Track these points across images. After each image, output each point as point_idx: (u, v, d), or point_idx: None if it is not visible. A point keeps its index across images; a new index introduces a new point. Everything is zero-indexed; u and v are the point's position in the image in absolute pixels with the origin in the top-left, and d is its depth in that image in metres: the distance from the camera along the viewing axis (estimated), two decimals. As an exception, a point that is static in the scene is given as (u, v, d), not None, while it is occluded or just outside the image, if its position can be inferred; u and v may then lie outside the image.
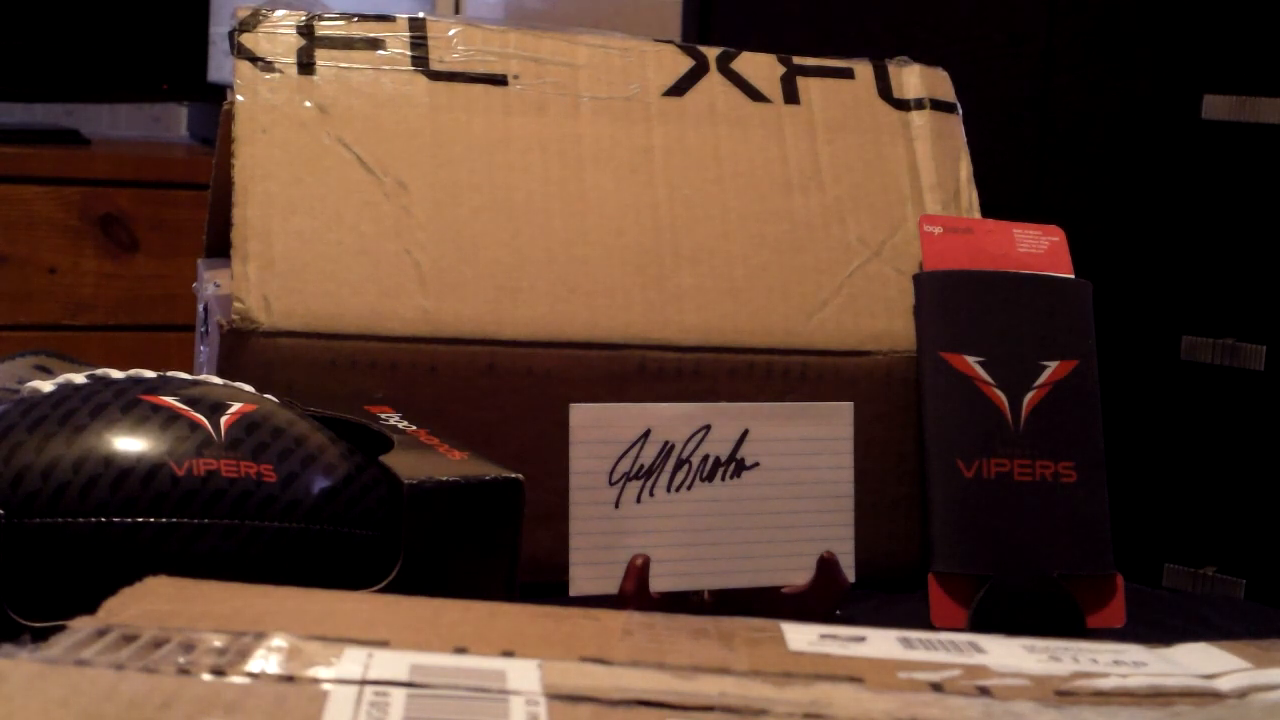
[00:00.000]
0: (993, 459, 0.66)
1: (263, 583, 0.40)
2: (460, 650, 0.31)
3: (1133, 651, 0.34)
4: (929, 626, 0.62)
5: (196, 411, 0.48)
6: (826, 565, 0.60)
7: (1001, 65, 1.46)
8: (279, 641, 0.30)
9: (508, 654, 0.31)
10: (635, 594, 0.58)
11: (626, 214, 0.71)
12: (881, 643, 0.32)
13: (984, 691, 0.30)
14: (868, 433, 0.67)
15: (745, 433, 0.60)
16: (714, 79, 0.76)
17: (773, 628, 0.34)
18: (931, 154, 0.78)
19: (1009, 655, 0.33)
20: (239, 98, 0.68)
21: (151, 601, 0.33)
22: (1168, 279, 1.40)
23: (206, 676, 0.28)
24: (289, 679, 0.28)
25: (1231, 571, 1.40)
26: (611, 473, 0.59)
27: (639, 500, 0.59)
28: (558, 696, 0.28)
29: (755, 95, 0.76)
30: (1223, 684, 0.32)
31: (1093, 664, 0.32)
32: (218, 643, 0.30)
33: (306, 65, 0.70)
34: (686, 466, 0.60)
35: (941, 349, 0.68)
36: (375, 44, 0.71)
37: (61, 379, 0.50)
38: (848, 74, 0.79)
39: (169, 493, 0.45)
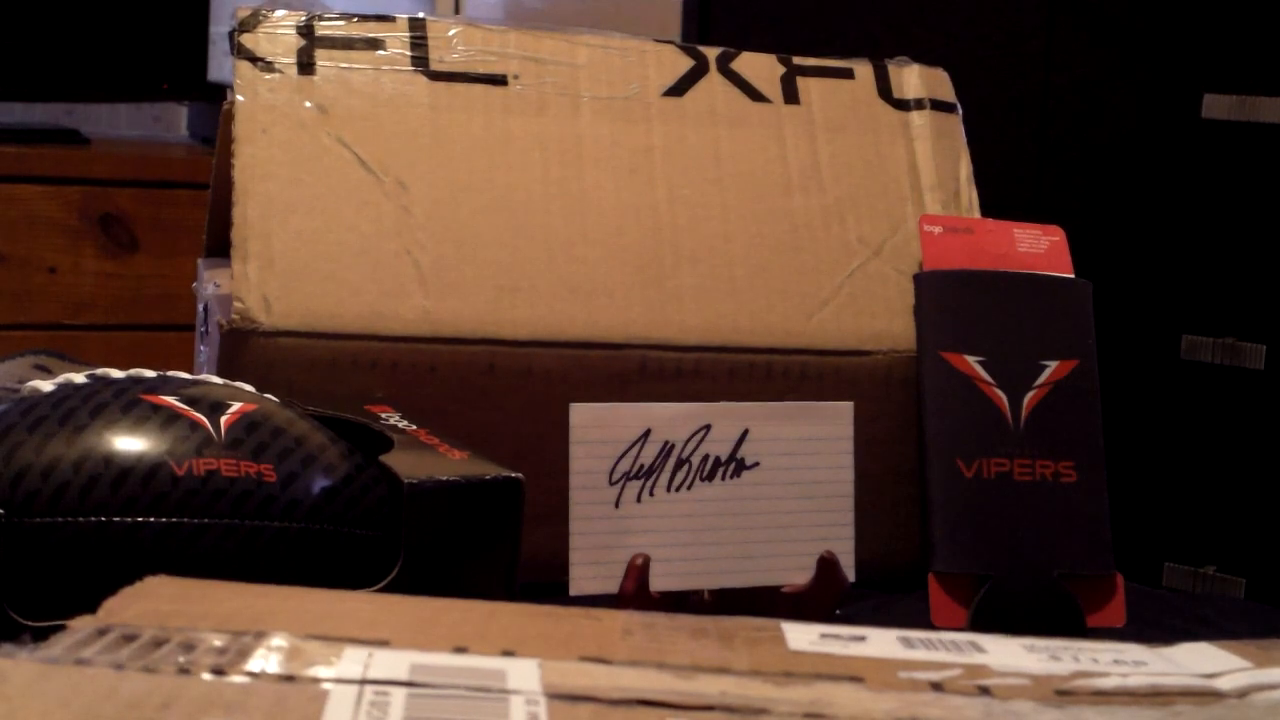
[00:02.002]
0: (993, 459, 0.66)
1: (263, 582, 0.40)
2: (460, 650, 0.31)
3: (1133, 651, 0.34)
4: (929, 626, 0.62)
5: (197, 411, 0.48)
6: (826, 565, 0.60)
7: (1002, 65, 1.46)
8: (279, 641, 0.30)
9: (508, 654, 0.31)
10: (635, 594, 0.58)
11: (626, 214, 0.71)
12: (882, 642, 0.32)
13: (984, 691, 0.30)
14: (868, 432, 0.67)
15: (745, 432, 0.60)
16: (714, 79, 0.76)
17: (773, 627, 0.34)
18: (931, 154, 0.78)
19: (1009, 655, 0.33)
20: (239, 98, 0.68)
21: (151, 601, 0.33)
22: (1168, 278, 1.40)
23: (206, 676, 0.28)
24: (289, 679, 0.28)
25: (1232, 571, 1.40)
26: (612, 472, 0.59)
27: (639, 500, 0.59)
28: (558, 696, 0.28)
29: (755, 95, 0.76)
30: (1223, 683, 0.31)
31: (1093, 663, 0.32)
32: (218, 642, 0.30)
33: (306, 65, 0.70)
34: (686, 466, 0.60)
35: (941, 349, 0.68)
36: (375, 44, 0.71)
37: (61, 379, 0.50)
38: (847, 74, 0.79)
39: (169, 492, 0.45)
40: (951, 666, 0.31)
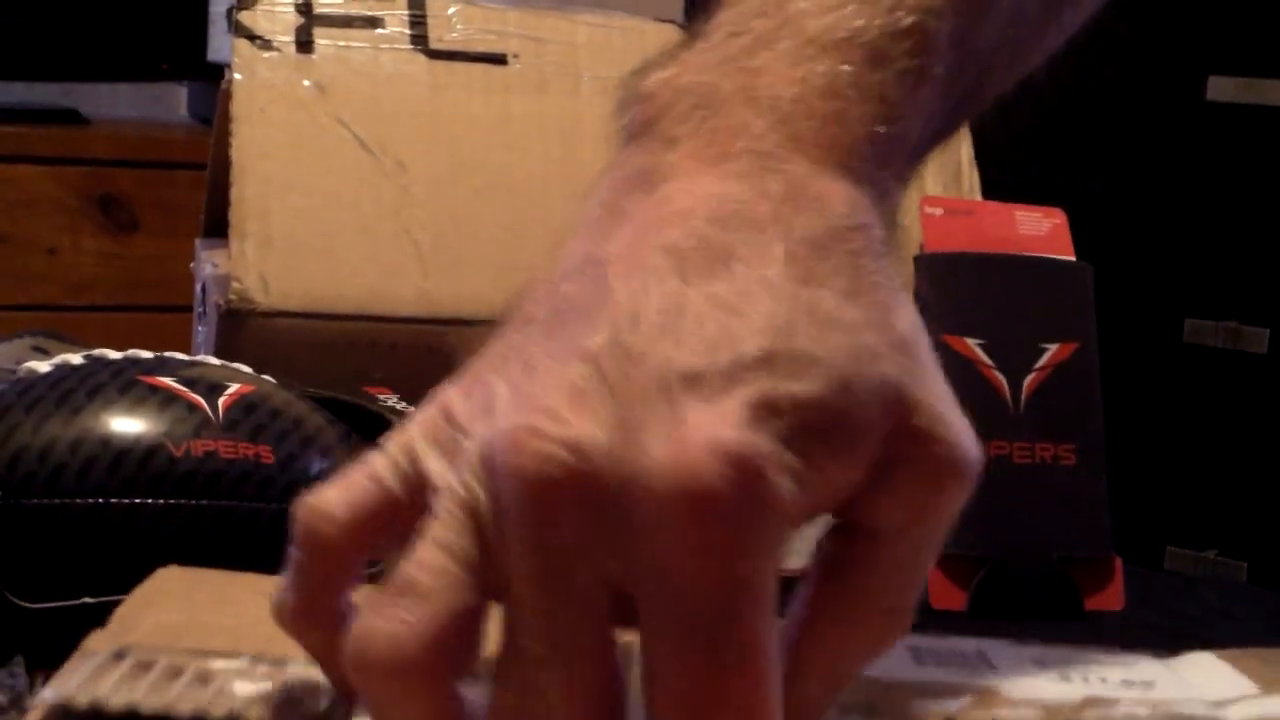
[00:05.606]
0: (992, 441, 0.65)
1: (263, 565, 0.40)
2: None
3: (1141, 667, 0.34)
4: (928, 607, 0.62)
5: (194, 392, 0.48)
6: (826, 547, 0.60)
7: (1005, 46, 1.46)
8: (295, 671, 0.30)
9: None
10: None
11: (627, 195, 0.71)
12: (890, 655, 0.32)
13: None
14: (868, 415, 0.67)
15: (745, 415, 0.60)
16: (715, 59, 0.76)
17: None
18: (933, 135, 0.77)
19: (1018, 672, 0.33)
20: (237, 76, 0.68)
21: (164, 610, 0.33)
22: (1171, 262, 1.40)
23: None
24: None
25: (1233, 555, 1.40)
26: (611, 454, 0.59)
27: (638, 482, 0.59)
28: None
29: (756, 75, 0.76)
30: (1232, 713, 0.31)
31: (1102, 684, 0.32)
32: (234, 673, 0.29)
33: (305, 44, 0.70)
34: (686, 448, 0.60)
35: (941, 331, 0.68)
36: (374, 22, 0.71)
37: (58, 359, 0.49)
38: (850, 54, 0.78)
39: (167, 474, 0.45)
40: (962, 691, 0.31)
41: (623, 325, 0.25)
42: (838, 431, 0.25)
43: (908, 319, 0.27)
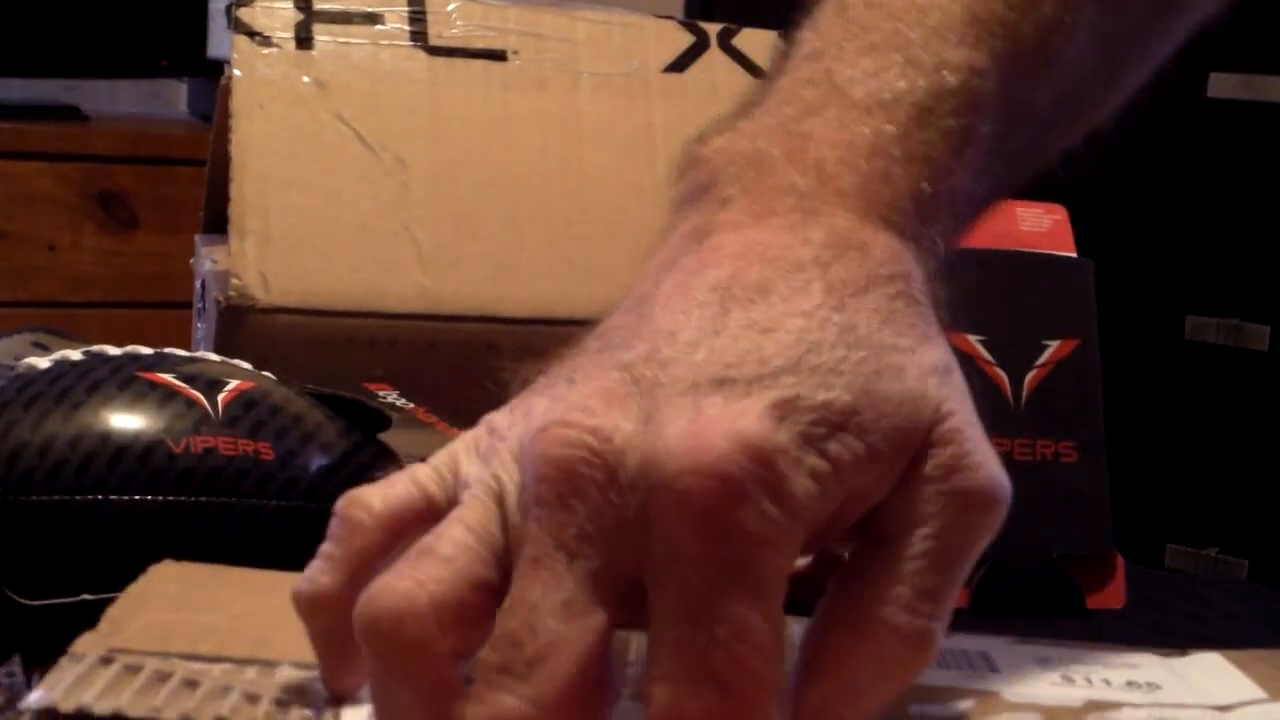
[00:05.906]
0: (994, 438, 0.65)
1: (262, 561, 0.40)
2: None
3: (1146, 668, 0.34)
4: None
5: (194, 389, 0.48)
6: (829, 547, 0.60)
7: (1006, 43, 1.45)
8: (286, 673, 0.30)
9: None
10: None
11: (627, 191, 0.71)
12: None
13: None
14: (869, 412, 0.67)
15: (745, 412, 0.60)
16: (715, 55, 0.76)
17: None
18: (934, 131, 0.77)
19: (1020, 673, 0.32)
20: (236, 73, 0.68)
21: (154, 609, 0.33)
22: (1172, 259, 1.40)
23: None
24: None
25: (1234, 552, 1.40)
26: (611, 451, 0.59)
27: (638, 479, 0.59)
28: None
29: (757, 72, 0.76)
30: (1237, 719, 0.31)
31: (1105, 686, 0.32)
32: (220, 680, 0.29)
33: (305, 40, 0.70)
34: (686, 445, 0.60)
35: (943, 328, 0.68)
36: (374, 19, 0.71)
37: (58, 356, 0.49)
38: (851, 50, 0.78)
39: (166, 470, 0.45)
40: (964, 694, 0.31)
41: (660, 342, 0.27)
42: (859, 439, 0.26)
43: (940, 354, 0.28)
